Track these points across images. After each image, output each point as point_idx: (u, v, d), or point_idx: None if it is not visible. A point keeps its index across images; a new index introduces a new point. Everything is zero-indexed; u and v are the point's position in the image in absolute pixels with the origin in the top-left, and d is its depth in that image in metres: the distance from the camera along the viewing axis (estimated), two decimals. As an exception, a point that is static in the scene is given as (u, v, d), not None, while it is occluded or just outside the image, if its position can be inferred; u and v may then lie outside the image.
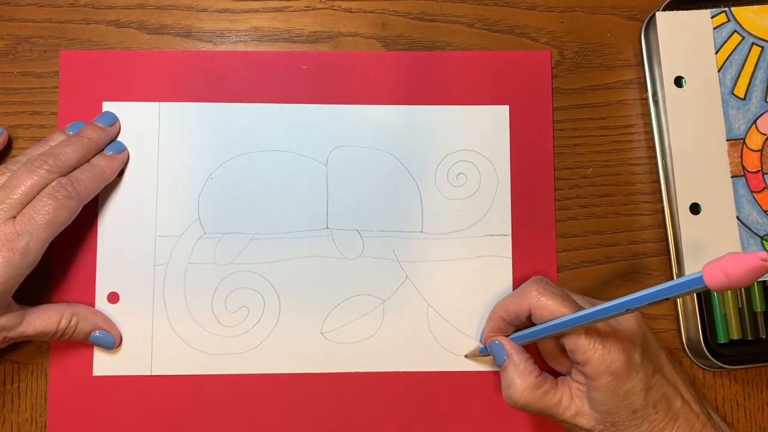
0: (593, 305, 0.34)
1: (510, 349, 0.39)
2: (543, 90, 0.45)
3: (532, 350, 0.41)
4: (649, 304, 0.31)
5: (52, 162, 0.38)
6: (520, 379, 0.37)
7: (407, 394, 0.43)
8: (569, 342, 0.36)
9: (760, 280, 0.42)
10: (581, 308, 0.36)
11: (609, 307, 0.33)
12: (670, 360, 0.39)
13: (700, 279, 0.27)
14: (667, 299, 0.30)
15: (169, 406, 0.42)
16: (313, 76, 0.44)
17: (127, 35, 0.44)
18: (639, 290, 0.44)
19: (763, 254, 0.25)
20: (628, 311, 0.32)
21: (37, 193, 0.37)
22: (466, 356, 0.43)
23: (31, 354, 0.42)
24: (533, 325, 0.38)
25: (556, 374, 0.40)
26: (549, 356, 0.41)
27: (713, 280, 0.27)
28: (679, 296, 0.30)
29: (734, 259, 0.26)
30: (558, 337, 0.37)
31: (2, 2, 0.44)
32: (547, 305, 0.37)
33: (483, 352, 0.41)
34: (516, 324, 0.39)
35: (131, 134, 0.43)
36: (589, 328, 0.35)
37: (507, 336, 0.40)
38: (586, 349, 0.35)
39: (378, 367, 0.43)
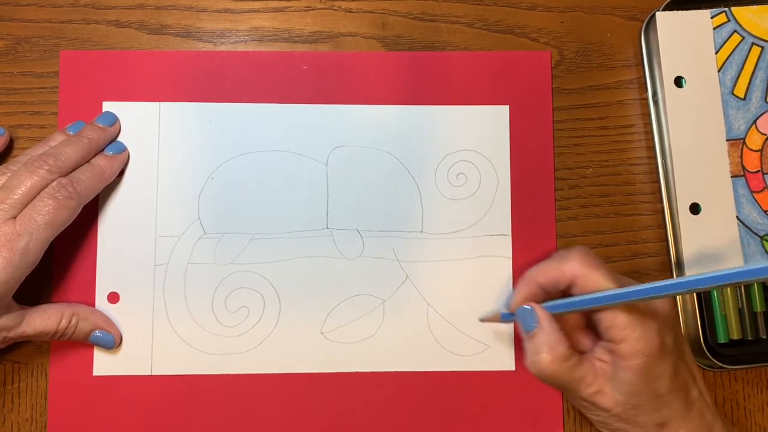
0: (629, 283, 0.34)
1: (543, 316, 0.37)
2: (543, 90, 0.45)
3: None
4: (711, 286, 0.30)
5: (53, 162, 0.38)
6: (549, 349, 0.36)
7: (407, 394, 0.43)
8: (607, 318, 0.35)
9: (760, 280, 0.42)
10: (623, 284, 0.35)
11: (655, 288, 0.32)
12: (689, 349, 0.39)
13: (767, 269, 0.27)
14: (730, 284, 0.30)
15: (169, 406, 0.42)
16: (313, 76, 0.44)
17: (127, 35, 0.44)
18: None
19: None
20: (675, 293, 0.31)
21: (38, 194, 0.37)
22: (481, 319, 0.42)
23: (31, 354, 0.42)
24: (564, 294, 0.37)
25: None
26: (570, 331, 0.39)
27: None
28: (745, 283, 0.29)
29: None
30: (594, 311, 0.36)
31: (2, 2, 0.44)
32: (593, 277, 0.36)
33: (506, 317, 0.40)
34: (552, 292, 0.38)
35: (131, 134, 0.43)
36: (629, 305, 0.34)
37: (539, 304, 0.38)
38: (625, 326, 0.34)
39: (378, 367, 0.43)
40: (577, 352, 0.38)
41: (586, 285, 0.36)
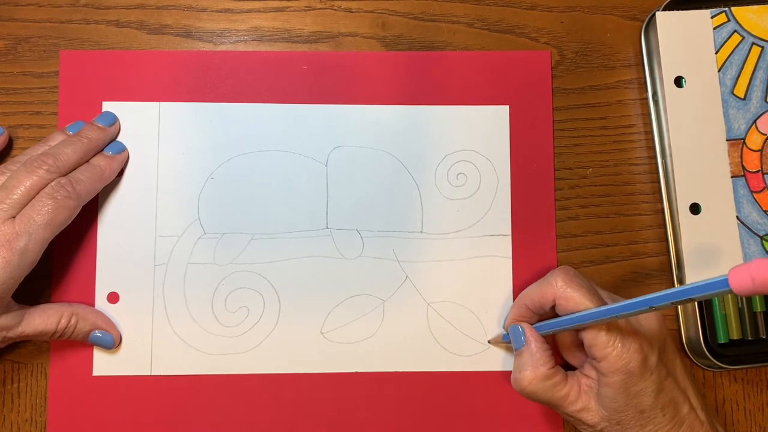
0: (616, 301, 0.34)
1: (530, 336, 0.38)
2: (543, 90, 0.45)
3: (550, 341, 0.41)
4: (672, 303, 0.31)
5: (52, 162, 0.38)
6: (532, 367, 0.37)
7: (407, 394, 0.43)
8: (589, 336, 0.36)
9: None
10: (605, 303, 0.36)
11: (632, 303, 0.32)
12: (683, 366, 0.39)
13: (725, 282, 0.27)
14: (691, 300, 0.30)
15: (169, 406, 0.42)
16: (313, 76, 0.44)
17: (127, 35, 0.44)
18: (639, 291, 0.44)
19: None
20: (651, 309, 0.32)
21: (37, 194, 0.37)
22: (489, 342, 0.43)
23: (31, 354, 0.42)
24: (556, 315, 0.38)
25: (568, 366, 0.40)
26: (564, 348, 0.41)
27: (739, 283, 0.26)
28: (703, 298, 0.29)
29: (762, 264, 0.25)
30: (578, 330, 0.37)
31: (2, 2, 0.44)
32: (573, 297, 0.37)
33: (506, 338, 0.41)
34: (540, 313, 0.39)
35: (131, 134, 0.43)
36: (610, 324, 0.35)
37: (530, 324, 0.40)
38: (605, 345, 0.35)
39: (378, 367, 0.43)
40: (572, 366, 0.39)
41: (567, 305, 0.37)
